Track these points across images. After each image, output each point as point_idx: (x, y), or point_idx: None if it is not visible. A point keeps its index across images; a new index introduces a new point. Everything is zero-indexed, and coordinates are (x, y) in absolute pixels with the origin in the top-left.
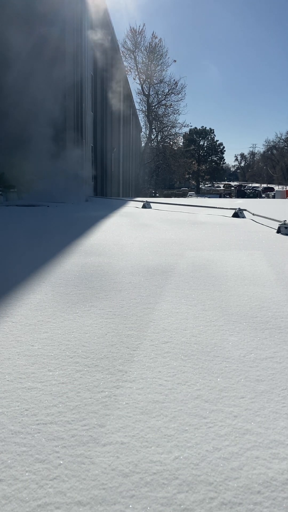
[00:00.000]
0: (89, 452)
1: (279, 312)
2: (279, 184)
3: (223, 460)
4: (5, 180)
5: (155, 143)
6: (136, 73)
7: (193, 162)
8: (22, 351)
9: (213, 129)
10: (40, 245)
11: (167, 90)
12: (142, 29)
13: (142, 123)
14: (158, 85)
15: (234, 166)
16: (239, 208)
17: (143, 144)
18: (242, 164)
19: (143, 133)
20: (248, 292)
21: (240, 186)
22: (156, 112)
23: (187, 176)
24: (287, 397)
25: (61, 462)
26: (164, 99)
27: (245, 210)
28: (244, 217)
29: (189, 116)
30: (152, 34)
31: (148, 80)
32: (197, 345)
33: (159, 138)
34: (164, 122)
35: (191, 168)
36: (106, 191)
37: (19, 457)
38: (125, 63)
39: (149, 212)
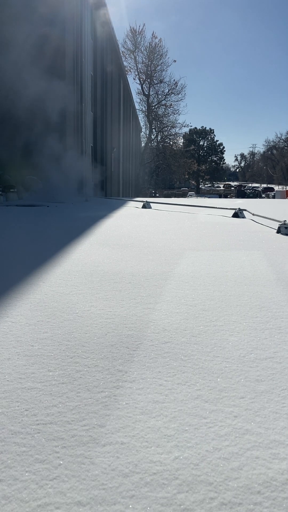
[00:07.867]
0: (89, 452)
1: (279, 312)
2: (279, 184)
3: (223, 460)
4: (5, 180)
5: (155, 143)
6: (136, 73)
7: (193, 162)
8: (22, 351)
9: (213, 129)
10: (40, 245)
11: (167, 90)
12: (142, 29)
13: (142, 123)
14: (158, 85)
15: (234, 166)
16: (239, 208)
17: (143, 144)
18: (242, 164)
19: (143, 133)
20: (248, 292)
21: (240, 186)
22: (156, 112)
23: (187, 176)
24: (287, 397)
25: (61, 462)
26: (164, 99)
27: (245, 210)
28: (244, 217)
29: (189, 116)
30: (152, 34)
31: (148, 80)
32: (197, 345)
33: (159, 138)
34: (164, 122)
35: (191, 168)
36: (106, 191)
37: (19, 457)
38: (125, 63)
39: (149, 212)
